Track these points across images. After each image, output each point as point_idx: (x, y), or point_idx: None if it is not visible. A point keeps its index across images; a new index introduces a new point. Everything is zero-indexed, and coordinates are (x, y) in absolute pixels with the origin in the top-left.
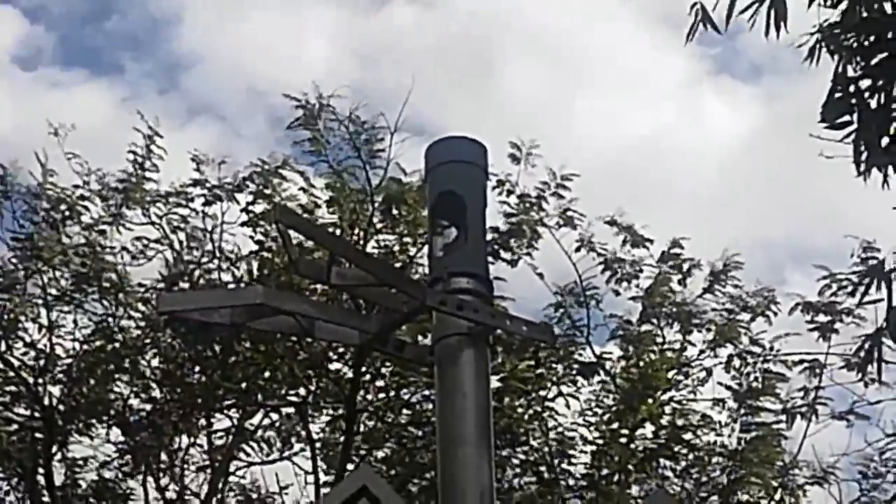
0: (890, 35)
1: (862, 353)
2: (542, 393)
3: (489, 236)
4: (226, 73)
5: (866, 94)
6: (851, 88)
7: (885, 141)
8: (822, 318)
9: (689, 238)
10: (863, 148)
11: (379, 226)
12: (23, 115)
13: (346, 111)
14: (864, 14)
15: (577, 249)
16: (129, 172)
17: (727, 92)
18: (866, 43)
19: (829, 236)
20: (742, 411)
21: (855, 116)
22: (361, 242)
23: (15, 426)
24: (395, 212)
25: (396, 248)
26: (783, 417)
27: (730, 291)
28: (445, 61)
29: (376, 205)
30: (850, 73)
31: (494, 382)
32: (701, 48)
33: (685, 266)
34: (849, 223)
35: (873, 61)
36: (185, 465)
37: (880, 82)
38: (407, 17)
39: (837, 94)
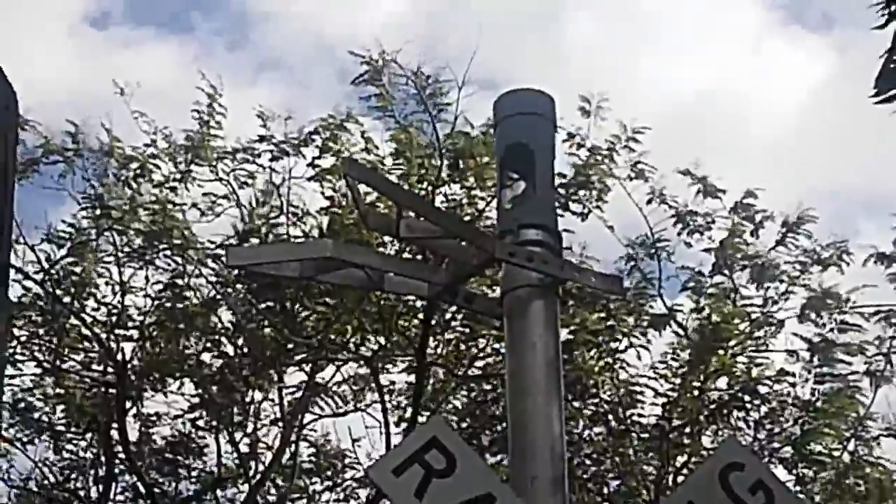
0: None
1: None
2: (613, 345)
3: (558, 188)
4: (294, 29)
5: None
6: None
7: None
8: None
9: (763, 189)
10: None
11: (447, 179)
12: (94, 75)
13: (413, 65)
14: None
15: (649, 202)
16: (195, 130)
17: (798, 42)
18: None
19: None
20: (816, 363)
21: None
22: (430, 196)
23: (89, 382)
24: (462, 165)
25: (465, 201)
26: (860, 368)
27: (803, 243)
28: (512, 13)
29: (444, 158)
30: None
31: (564, 334)
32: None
33: (758, 218)
34: None
35: None
36: (258, 419)
37: None
38: None
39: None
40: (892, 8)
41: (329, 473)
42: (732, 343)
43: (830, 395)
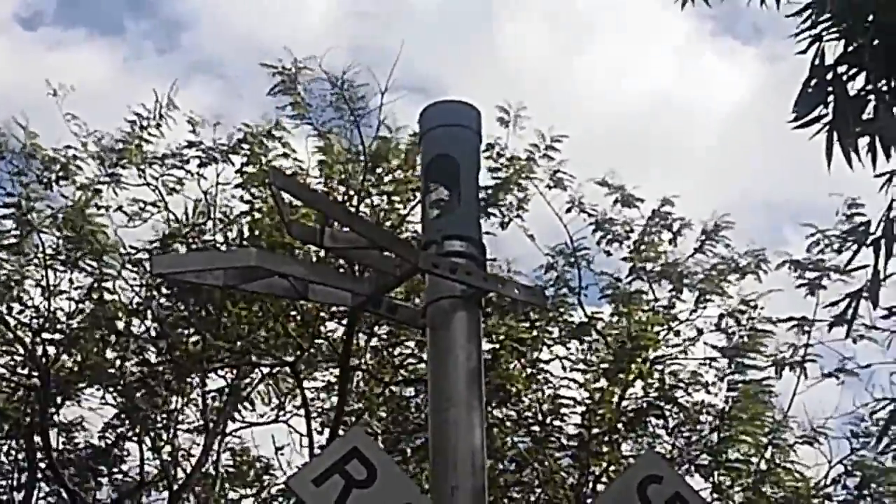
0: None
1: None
2: (536, 354)
3: (483, 198)
4: (226, 32)
5: (845, 80)
6: (829, 76)
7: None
8: (809, 275)
9: (679, 196)
10: (835, 138)
11: (367, 185)
12: (23, 75)
13: (338, 71)
14: None
15: (568, 210)
16: (127, 133)
17: (728, 52)
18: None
19: (828, 196)
20: (730, 369)
21: (831, 108)
22: (354, 203)
23: (13, 387)
24: (381, 170)
25: (385, 207)
26: (771, 373)
27: (721, 251)
28: (446, 18)
29: (366, 164)
30: (829, 60)
31: (489, 345)
32: (702, 9)
33: (675, 225)
34: (846, 181)
35: (853, 46)
36: (179, 426)
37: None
38: None
39: (812, 85)
40: (813, 31)
41: (251, 481)
42: (649, 349)
43: (745, 402)
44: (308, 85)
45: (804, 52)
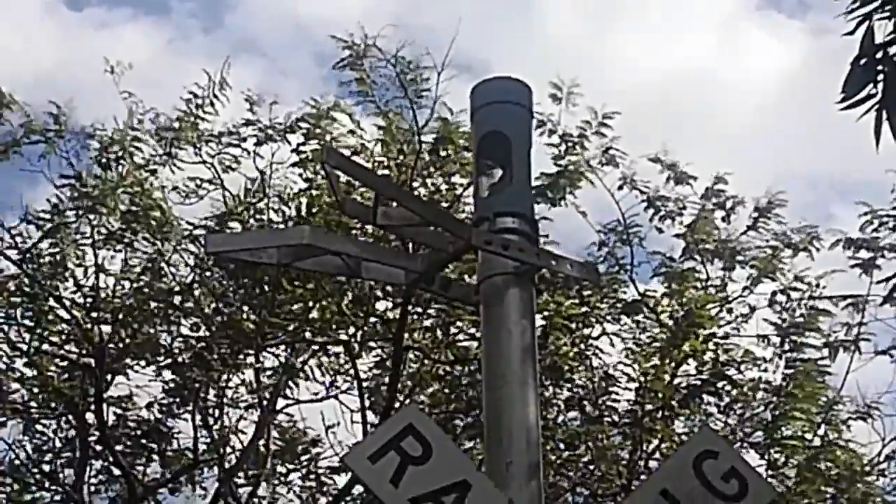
0: None
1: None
2: (587, 331)
3: (537, 180)
4: (269, 10)
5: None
6: (879, 54)
7: None
8: (864, 254)
9: (733, 174)
10: (885, 117)
11: (427, 165)
12: (71, 55)
13: (390, 50)
14: None
15: (620, 188)
16: (183, 111)
17: (773, 26)
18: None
19: (878, 172)
20: (786, 347)
21: (880, 87)
22: (410, 183)
23: (66, 364)
24: (443, 152)
25: (444, 188)
26: (827, 353)
27: (774, 228)
28: (486, 4)
29: (424, 145)
30: (880, 36)
31: (539, 321)
32: None
33: (729, 203)
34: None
35: None
36: (233, 403)
37: None
38: None
39: (863, 62)
40: (863, 10)
41: (302, 459)
42: (704, 328)
43: (801, 380)
44: (374, 63)
45: (851, 33)
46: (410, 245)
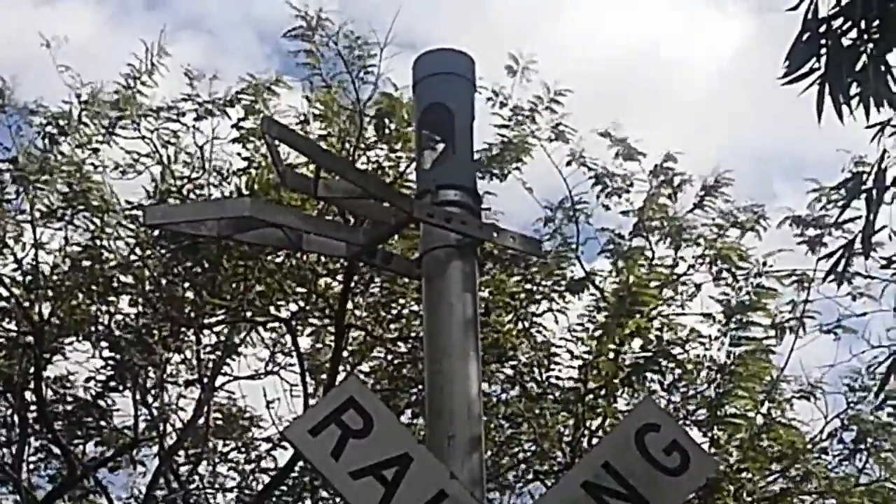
0: None
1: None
2: (531, 308)
3: (481, 153)
4: None
5: (839, 33)
6: (822, 28)
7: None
8: (810, 231)
9: (682, 153)
10: (827, 91)
11: (371, 141)
12: (10, 30)
13: (334, 25)
14: None
15: (568, 164)
16: (122, 86)
17: (720, 3)
18: None
19: (823, 149)
20: (731, 326)
21: (823, 61)
22: (352, 157)
23: (4, 342)
24: (386, 126)
25: (387, 163)
26: (772, 332)
27: (720, 206)
28: None
29: (367, 119)
30: (823, 12)
31: (484, 296)
32: None
33: (677, 181)
34: (842, 136)
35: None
36: (173, 381)
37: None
38: None
39: (806, 38)
40: None
41: (239, 434)
42: (648, 306)
43: (745, 358)
44: (323, 37)
45: (795, 8)
46: (352, 218)
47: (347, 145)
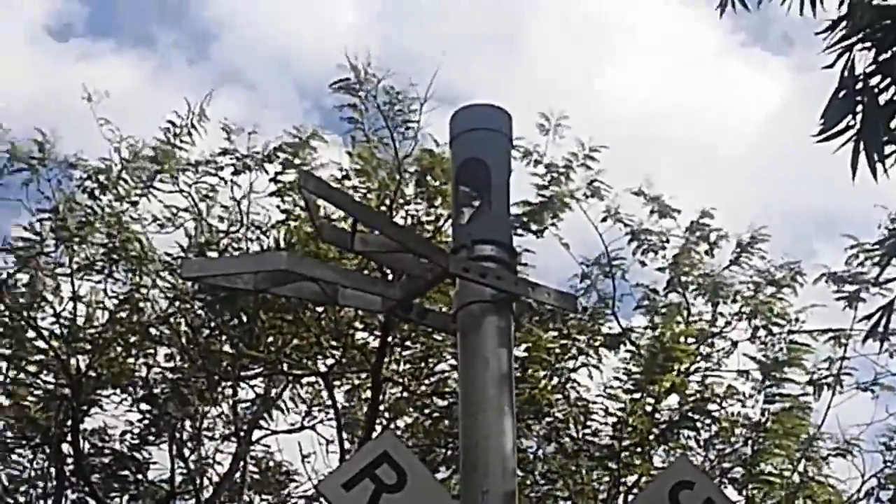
0: None
1: (880, 324)
2: (567, 364)
3: (518, 209)
4: (253, 42)
5: (877, 91)
6: (859, 86)
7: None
8: (848, 287)
9: (717, 209)
10: (862, 148)
11: (411, 196)
12: (54, 85)
13: (376, 78)
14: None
15: (604, 220)
16: (162, 141)
17: (758, 62)
18: (879, 34)
19: (859, 207)
20: (767, 383)
21: (859, 118)
22: (391, 212)
23: (42, 394)
24: (426, 182)
25: (426, 218)
26: (809, 389)
27: (756, 263)
28: (471, 26)
29: (407, 175)
30: (859, 70)
31: (519, 352)
32: (732, 19)
33: (712, 237)
34: (879, 193)
35: (886, 55)
36: (210, 435)
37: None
38: None
39: (842, 95)
40: (845, 42)
41: (275, 488)
42: (684, 362)
43: (781, 415)
44: (370, 91)
45: (831, 66)
46: (389, 273)
47: (387, 200)
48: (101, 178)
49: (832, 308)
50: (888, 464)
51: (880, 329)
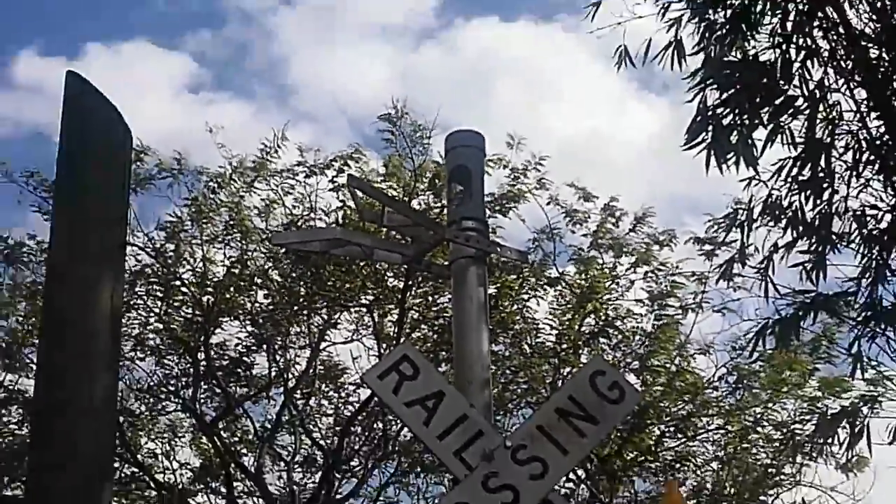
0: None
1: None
2: (523, 296)
3: (490, 198)
4: (319, 91)
5: (720, 114)
6: (710, 113)
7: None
8: (706, 247)
9: (620, 196)
10: (712, 153)
11: (423, 190)
12: (189, 124)
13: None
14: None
15: (548, 204)
16: (258, 156)
17: (648, 100)
18: (722, 80)
19: (713, 193)
20: (654, 307)
21: (710, 134)
22: (409, 201)
23: (183, 321)
24: (434, 181)
25: (433, 204)
26: (681, 312)
27: (646, 231)
28: (460, 78)
29: (422, 177)
30: (710, 102)
31: (492, 290)
32: (630, 72)
33: (618, 213)
34: (725, 183)
35: (728, 93)
36: (293, 346)
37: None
38: (434, 54)
39: (699, 119)
40: (696, 82)
41: (335, 380)
42: (600, 294)
43: (663, 328)
44: (400, 122)
45: (692, 101)
46: (407, 239)
47: (407, 194)
48: (219, 180)
49: (697, 260)
50: (732, 359)
51: (726, 272)
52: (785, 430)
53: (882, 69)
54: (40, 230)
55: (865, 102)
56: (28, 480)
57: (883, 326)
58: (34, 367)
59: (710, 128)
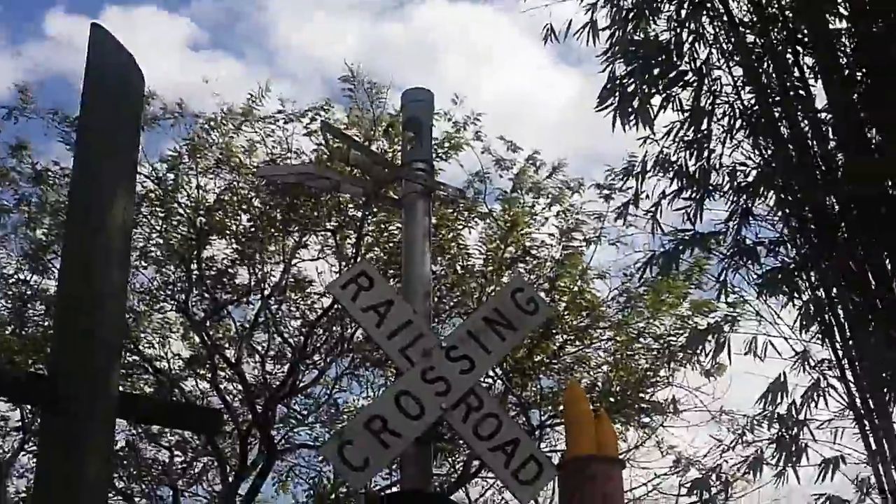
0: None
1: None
2: (458, 226)
3: (436, 144)
4: (301, 56)
5: (626, 84)
6: (617, 82)
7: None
8: (606, 191)
9: (542, 149)
10: (618, 115)
11: (381, 137)
12: (188, 77)
13: (362, 74)
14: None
15: (483, 153)
16: (245, 104)
17: (566, 71)
18: (629, 55)
19: (616, 148)
20: (563, 239)
21: (617, 99)
22: (369, 144)
23: (179, 236)
24: (390, 130)
25: (389, 149)
26: (584, 244)
27: (560, 177)
28: (414, 51)
29: (380, 126)
30: (617, 73)
31: (434, 220)
32: (553, 46)
33: (538, 163)
34: (627, 140)
35: (634, 65)
36: (269, 261)
37: (636, 76)
38: (394, 27)
39: (608, 87)
40: (607, 56)
41: (303, 290)
42: (520, 227)
43: (569, 256)
44: (356, 82)
45: (603, 71)
46: (368, 176)
47: (368, 139)
48: (212, 123)
49: (598, 203)
50: (623, 283)
51: (623, 214)
52: (662, 342)
53: (756, 52)
54: (63, 159)
55: (741, 78)
56: (49, 363)
57: (744, 260)
58: (56, 270)
59: (617, 94)
